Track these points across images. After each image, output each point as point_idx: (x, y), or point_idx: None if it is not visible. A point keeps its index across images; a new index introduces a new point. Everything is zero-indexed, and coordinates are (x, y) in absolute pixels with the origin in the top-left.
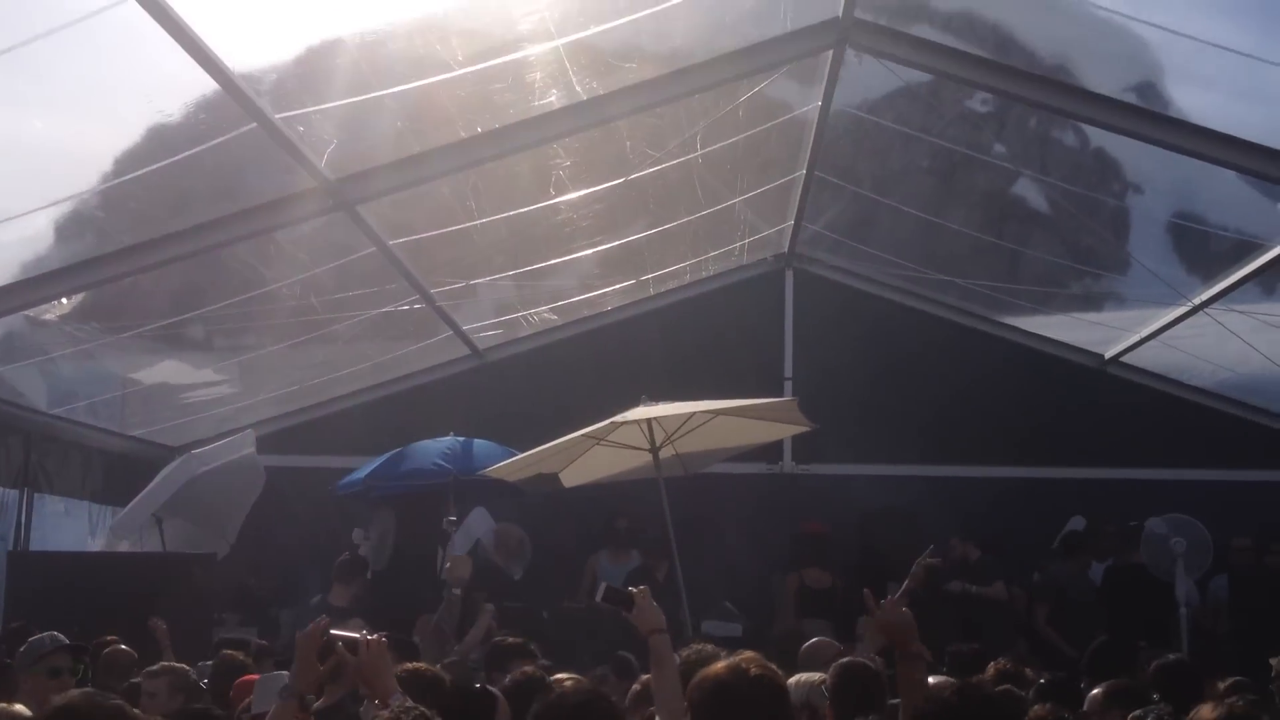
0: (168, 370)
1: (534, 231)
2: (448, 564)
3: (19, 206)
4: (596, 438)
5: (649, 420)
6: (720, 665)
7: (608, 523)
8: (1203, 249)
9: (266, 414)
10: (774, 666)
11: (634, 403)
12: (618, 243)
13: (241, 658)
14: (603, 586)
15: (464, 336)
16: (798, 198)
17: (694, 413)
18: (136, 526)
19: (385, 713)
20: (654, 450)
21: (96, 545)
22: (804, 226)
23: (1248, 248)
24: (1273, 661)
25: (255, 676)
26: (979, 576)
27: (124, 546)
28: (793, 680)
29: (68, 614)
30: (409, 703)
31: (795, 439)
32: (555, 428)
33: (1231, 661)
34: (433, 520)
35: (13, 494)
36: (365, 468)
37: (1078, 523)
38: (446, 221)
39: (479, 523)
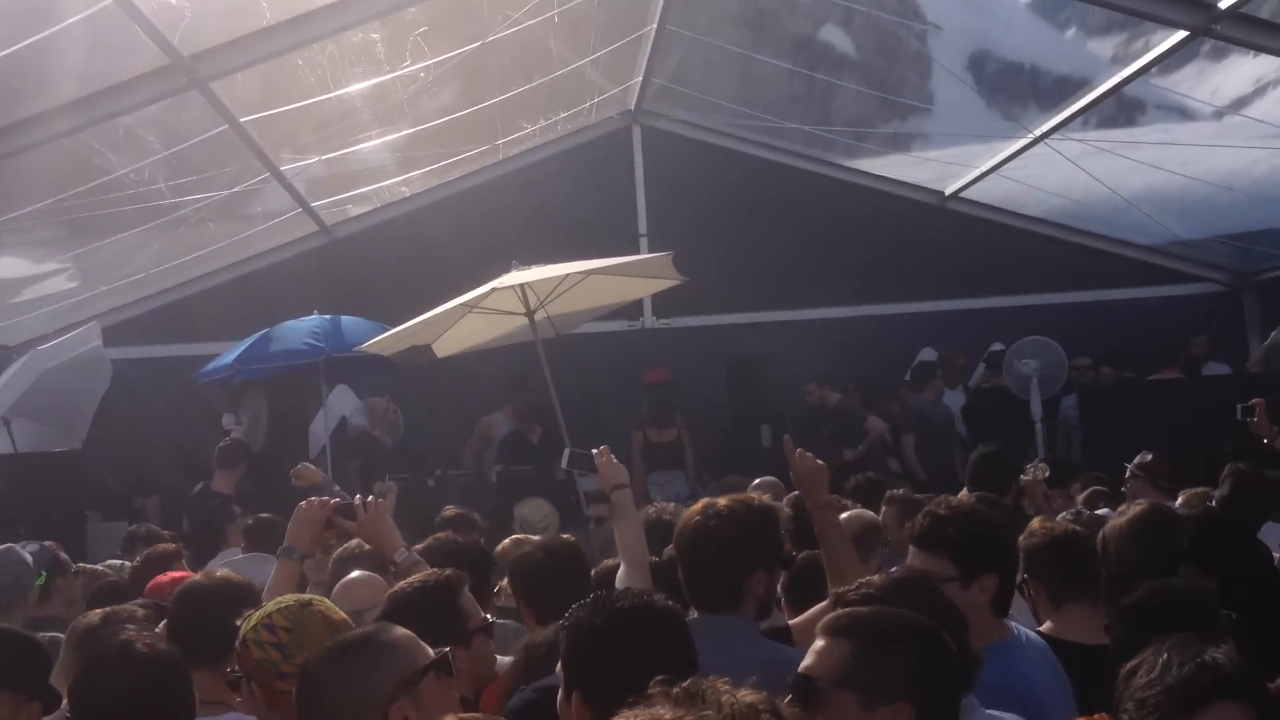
0: (5, 266)
1: (387, 101)
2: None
3: None
4: (470, 305)
5: (523, 284)
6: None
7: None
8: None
9: (110, 305)
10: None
11: (490, 270)
12: (471, 110)
13: (173, 548)
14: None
15: (313, 214)
16: (646, 53)
17: (569, 274)
18: None
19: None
20: (530, 314)
21: None
22: (651, 82)
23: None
24: (1127, 465)
25: (183, 573)
26: (844, 417)
27: None
28: None
29: None
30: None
31: (655, 295)
32: (411, 301)
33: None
34: (304, 399)
35: None
36: (229, 352)
37: (928, 354)
38: (300, 95)
39: (342, 401)
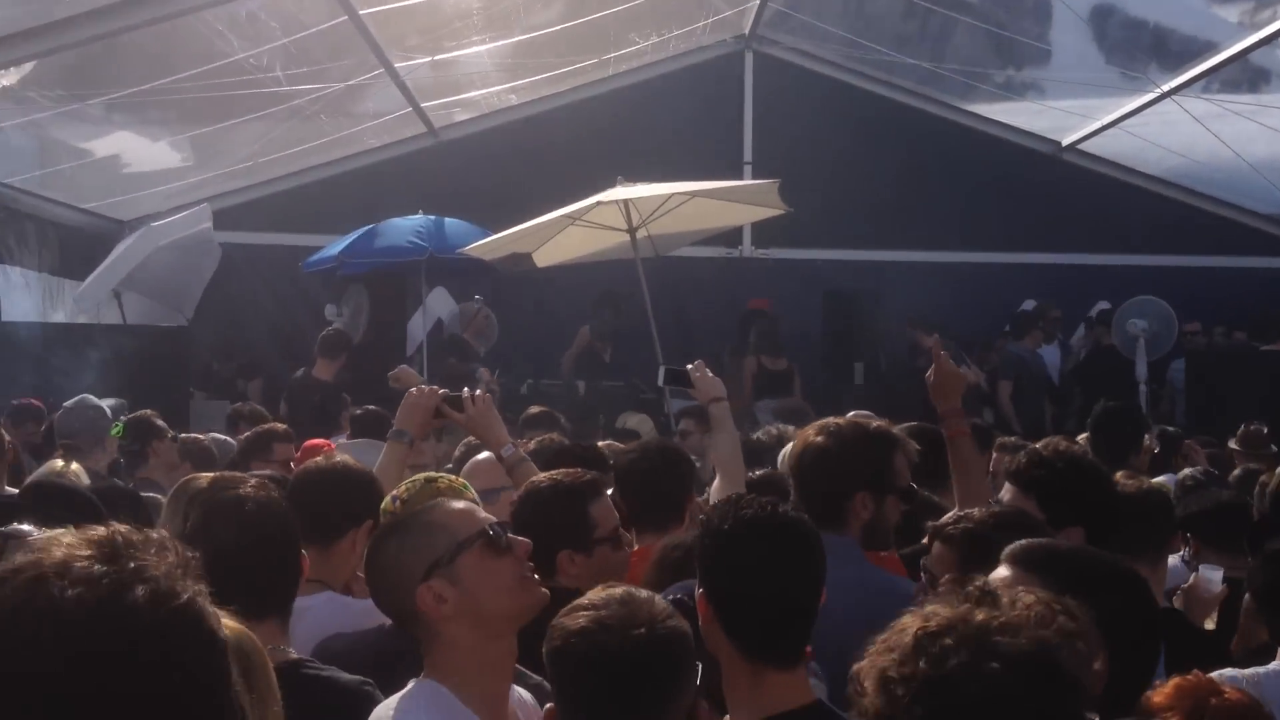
0: (122, 142)
1: (502, 4)
2: (392, 379)
3: None
4: (573, 217)
5: (628, 200)
6: (810, 427)
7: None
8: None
9: (221, 189)
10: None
11: (593, 185)
12: (584, 19)
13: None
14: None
15: (422, 114)
16: None
17: (674, 194)
18: (98, 299)
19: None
20: (631, 231)
21: (58, 318)
22: (767, 7)
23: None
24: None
25: (320, 442)
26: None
27: (82, 320)
28: (785, 450)
29: (45, 385)
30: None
31: (754, 224)
32: (512, 208)
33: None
34: (404, 297)
35: None
36: (335, 245)
37: (1029, 306)
38: None
39: (439, 302)
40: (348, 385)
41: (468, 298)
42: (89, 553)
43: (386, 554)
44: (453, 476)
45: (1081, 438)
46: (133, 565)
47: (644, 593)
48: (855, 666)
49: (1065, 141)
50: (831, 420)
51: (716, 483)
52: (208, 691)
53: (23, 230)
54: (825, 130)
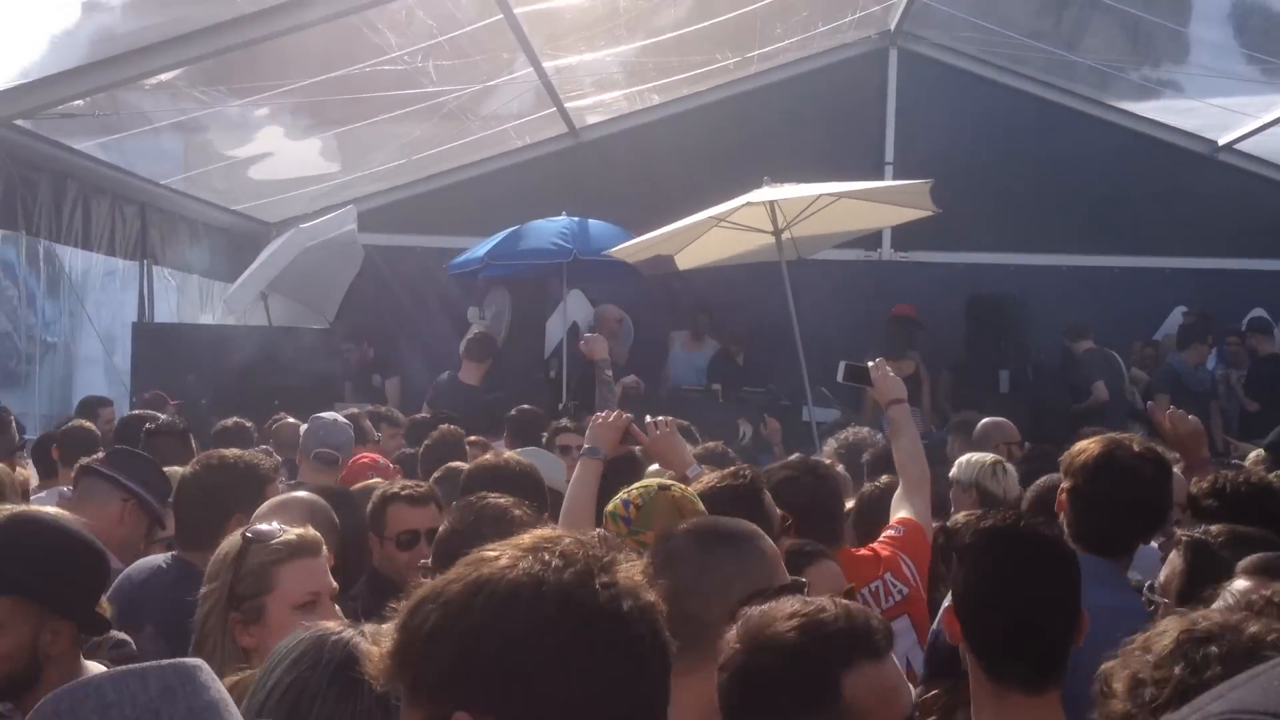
0: (272, 144)
1: (645, 5)
2: (585, 340)
3: None
4: (718, 219)
5: (774, 202)
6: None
7: (692, 313)
8: None
9: (365, 190)
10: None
11: (732, 185)
12: (730, 15)
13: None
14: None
15: (564, 114)
16: None
17: (822, 194)
18: (248, 302)
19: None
20: (777, 233)
21: (209, 319)
22: (914, 2)
23: None
24: None
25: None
26: (1086, 369)
27: (230, 321)
28: (963, 459)
29: (196, 384)
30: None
31: (894, 226)
32: (652, 209)
33: None
34: (544, 298)
35: (133, 266)
36: (480, 246)
37: (1180, 312)
38: None
39: (576, 304)
40: (492, 388)
41: (605, 299)
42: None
43: (716, 559)
44: (685, 487)
45: (1252, 456)
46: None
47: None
48: (1104, 666)
49: (1222, 141)
50: (1126, 439)
51: (900, 490)
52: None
53: (175, 231)
54: (968, 129)
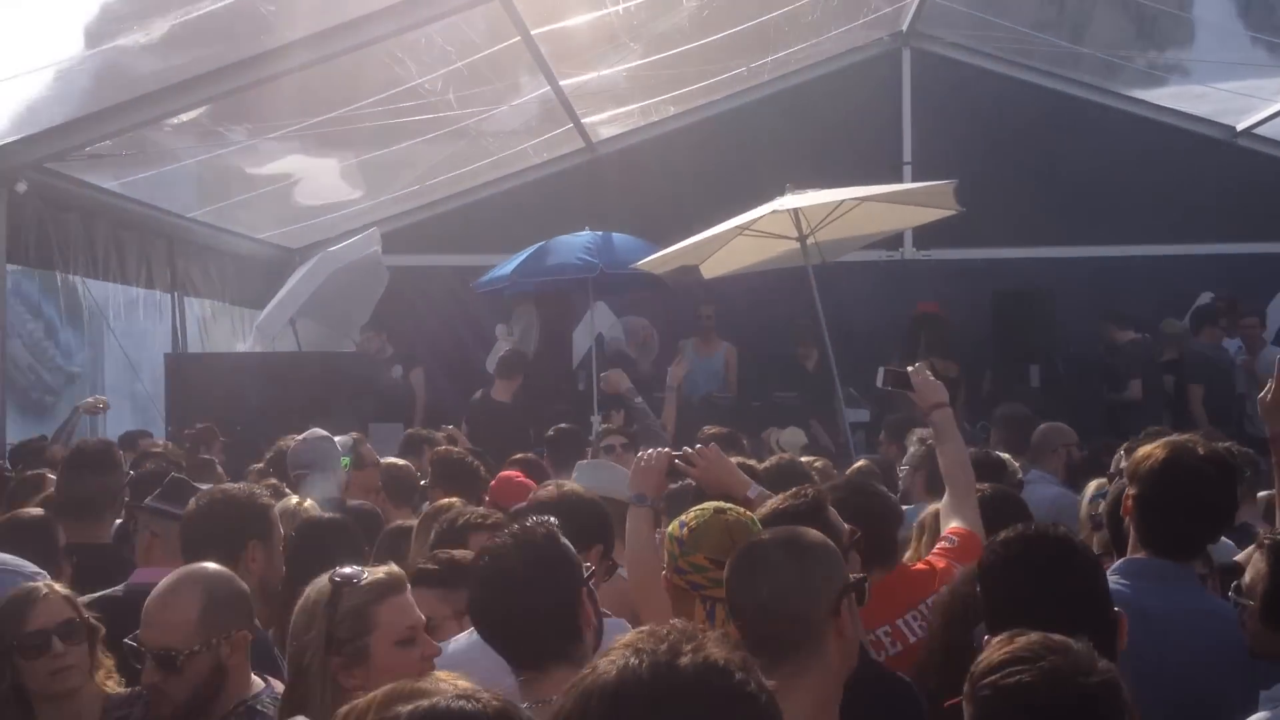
0: (295, 171)
1: (661, 19)
2: (603, 379)
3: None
4: (742, 227)
5: (798, 209)
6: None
7: (694, 311)
8: None
9: (388, 212)
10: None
11: (753, 192)
12: (746, 25)
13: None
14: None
15: (581, 129)
16: None
17: (845, 199)
18: (279, 326)
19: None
20: (802, 239)
21: (244, 346)
22: (926, 2)
23: None
24: None
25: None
26: (1127, 359)
27: (259, 347)
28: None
29: (232, 414)
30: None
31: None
32: (674, 219)
33: None
34: (570, 312)
35: (153, 295)
36: (506, 264)
37: (1206, 298)
38: (586, 6)
39: (601, 317)
40: (524, 405)
41: (628, 311)
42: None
43: (813, 560)
44: (741, 509)
45: None
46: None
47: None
48: None
49: (1240, 126)
50: (1194, 442)
51: (946, 498)
52: None
53: (204, 262)
54: (984, 125)
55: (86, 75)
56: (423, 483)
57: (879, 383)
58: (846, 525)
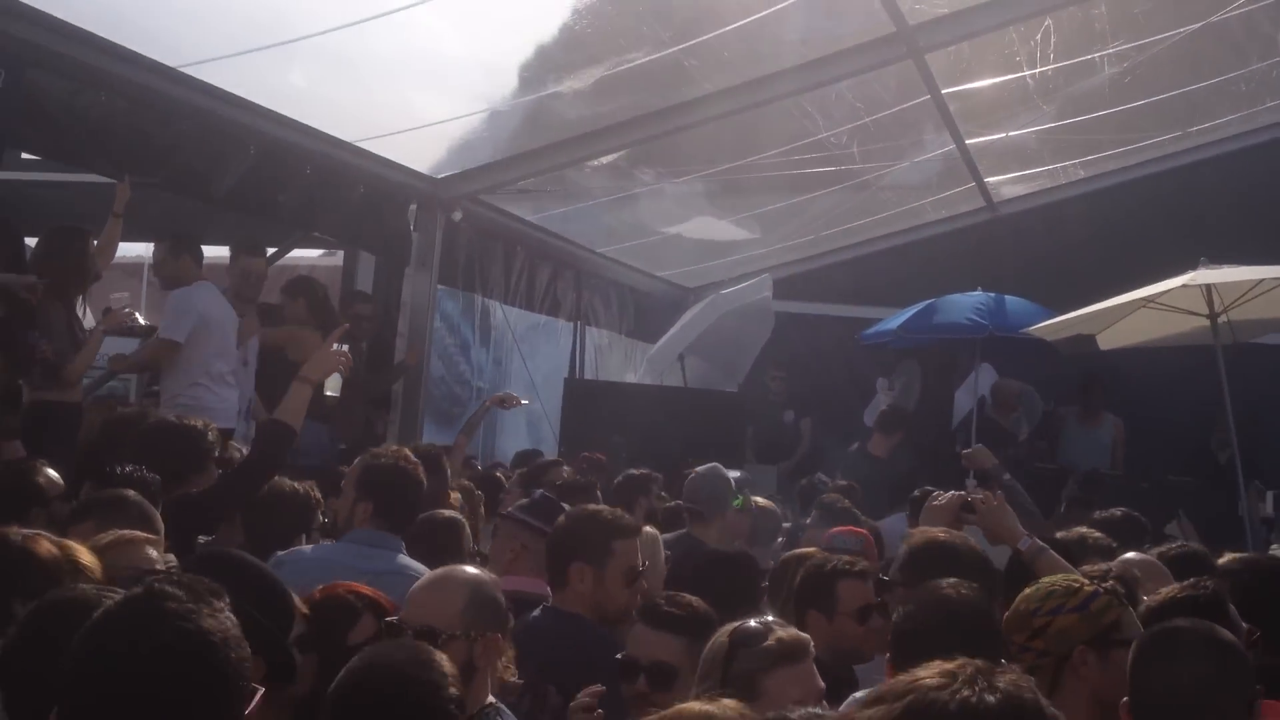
0: (695, 215)
1: (1079, 83)
2: (965, 457)
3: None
4: (1149, 300)
5: (1212, 285)
6: None
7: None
8: None
9: (781, 259)
10: None
11: (1162, 264)
12: (1167, 94)
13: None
14: None
15: (983, 189)
16: None
17: (1266, 278)
18: (669, 361)
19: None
20: (1212, 316)
21: (634, 377)
22: None
23: None
24: None
25: None
26: None
27: (648, 380)
28: None
29: (618, 440)
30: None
31: None
32: (1073, 286)
33: None
34: (953, 370)
35: (553, 322)
36: (894, 318)
37: None
38: (1000, 69)
39: (985, 379)
40: (895, 460)
41: (1009, 374)
42: None
43: None
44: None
45: None
46: None
47: None
48: None
49: None
50: None
51: None
52: None
53: (607, 295)
54: None
55: (518, 116)
56: None
57: None
58: (1245, 625)
